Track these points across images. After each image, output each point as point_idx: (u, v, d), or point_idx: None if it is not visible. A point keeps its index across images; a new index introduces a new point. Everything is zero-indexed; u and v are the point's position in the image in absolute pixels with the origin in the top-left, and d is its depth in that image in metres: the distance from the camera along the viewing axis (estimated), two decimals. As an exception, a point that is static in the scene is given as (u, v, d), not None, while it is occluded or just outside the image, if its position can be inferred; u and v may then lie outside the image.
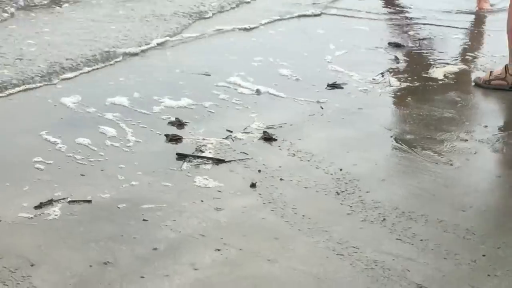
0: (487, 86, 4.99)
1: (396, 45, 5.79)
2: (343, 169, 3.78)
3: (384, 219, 3.34)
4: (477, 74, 5.22)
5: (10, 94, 4.63)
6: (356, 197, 3.52)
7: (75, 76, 4.96)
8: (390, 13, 6.79)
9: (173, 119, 4.29)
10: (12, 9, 6.16)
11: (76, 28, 5.84)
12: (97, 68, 5.13)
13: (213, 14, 6.47)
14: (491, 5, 6.84)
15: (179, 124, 4.24)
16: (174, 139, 4.06)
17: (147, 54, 5.46)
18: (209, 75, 5.01)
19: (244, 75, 5.03)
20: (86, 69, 5.07)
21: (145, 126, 4.22)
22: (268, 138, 4.10)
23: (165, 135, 4.11)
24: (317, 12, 6.62)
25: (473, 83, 5.08)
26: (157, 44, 5.62)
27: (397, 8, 6.90)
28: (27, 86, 4.73)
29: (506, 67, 4.95)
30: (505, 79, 4.95)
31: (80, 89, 4.71)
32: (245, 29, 6.12)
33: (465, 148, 4.07)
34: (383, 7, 6.91)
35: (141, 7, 6.48)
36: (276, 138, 4.12)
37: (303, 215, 3.35)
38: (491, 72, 5.04)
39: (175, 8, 6.46)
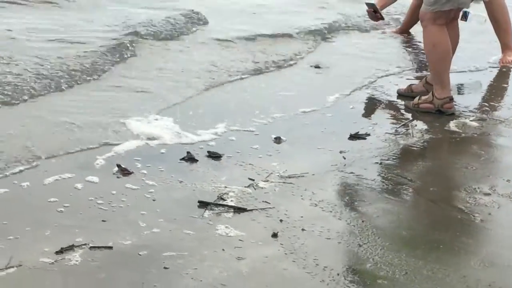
0: (416, 109, 5.41)
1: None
2: (365, 221, 3.76)
3: (406, 272, 3.31)
4: (499, 127, 5.22)
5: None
6: (378, 250, 3.49)
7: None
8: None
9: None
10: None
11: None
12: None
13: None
14: None
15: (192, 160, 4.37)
16: (124, 172, 4.15)
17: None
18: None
19: (264, 123, 5.06)
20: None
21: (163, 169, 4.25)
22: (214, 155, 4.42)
23: (117, 165, 4.18)
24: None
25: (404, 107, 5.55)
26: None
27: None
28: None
29: (432, 92, 5.36)
30: (432, 102, 5.34)
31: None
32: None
33: (488, 202, 4.04)
34: None
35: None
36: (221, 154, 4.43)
37: (325, 267, 3.32)
38: (420, 96, 5.47)
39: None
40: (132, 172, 4.16)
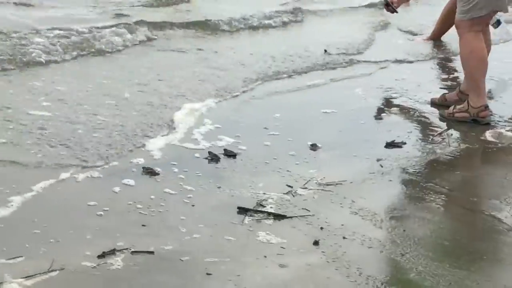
0: (451, 118, 5.41)
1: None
2: (406, 230, 3.73)
3: (450, 283, 3.28)
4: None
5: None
6: (421, 259, 3.46)
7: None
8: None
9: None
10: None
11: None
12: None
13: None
14: None
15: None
16: (150, 171, 4.19)
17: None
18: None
19: (298, 129, 5.04)
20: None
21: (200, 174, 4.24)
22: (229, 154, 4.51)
23: (142, 167, 4.21)
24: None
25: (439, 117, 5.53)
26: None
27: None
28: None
29: (467, 100, 5.35)
30: (467, 111, 5.34)
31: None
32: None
33: (529, 213, 4.00)
34: None
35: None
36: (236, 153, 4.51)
37: (369, 276, 3.29)
38: (455, 105, 5.46)
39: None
40: (158, 173, 4.17)
